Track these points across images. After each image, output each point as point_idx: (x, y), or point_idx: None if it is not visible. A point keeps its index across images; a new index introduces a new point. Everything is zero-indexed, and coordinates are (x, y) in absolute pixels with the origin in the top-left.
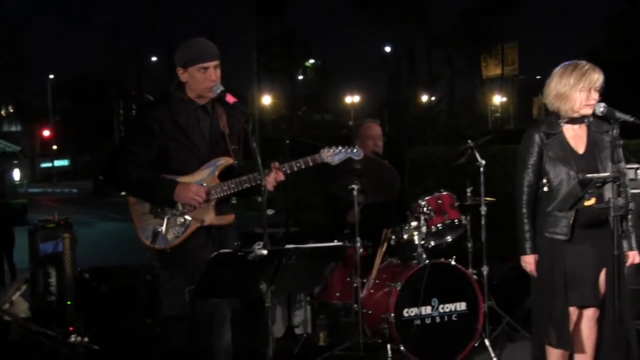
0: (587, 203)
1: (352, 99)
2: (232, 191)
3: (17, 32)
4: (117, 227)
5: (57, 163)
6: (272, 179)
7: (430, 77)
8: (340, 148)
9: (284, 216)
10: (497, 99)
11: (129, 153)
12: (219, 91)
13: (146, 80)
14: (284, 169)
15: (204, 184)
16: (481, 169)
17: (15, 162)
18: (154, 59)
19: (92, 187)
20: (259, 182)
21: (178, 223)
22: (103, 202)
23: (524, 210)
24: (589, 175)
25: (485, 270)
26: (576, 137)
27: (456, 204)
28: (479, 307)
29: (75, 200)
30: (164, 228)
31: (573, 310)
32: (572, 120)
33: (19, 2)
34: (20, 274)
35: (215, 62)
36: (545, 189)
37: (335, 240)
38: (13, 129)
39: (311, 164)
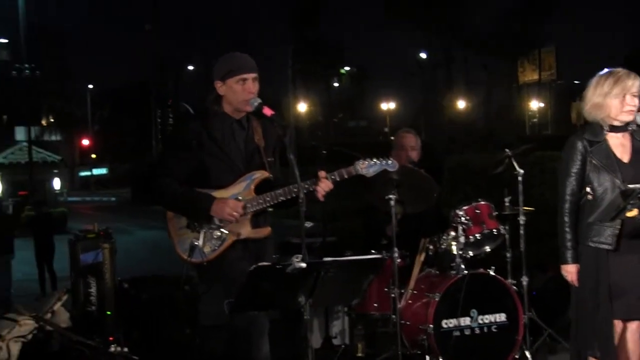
0: (629, 214)
1: (387, 105)
2: (267, 204)
3: (58, 42)
4: (155, 236)
5: (96, 172)
6: (322, 188)
7: (467, 83)
8: (375, 160)
9: (321, 226)
10: (535, 105)
11: (166, 168)
12: (256, 104)
13: (183, 89)
14: (332, 177)
15: (240, 198)
16: (519, 178)
17: (56, 171)
18: (190, 68)
19: (130, 195)
20: (295, 195)
21: (214, 237)
22: (141, 210)
23: (566, 219)
24: (631, 186)
25: (524, 280)
26: (620, 145)
27: (494, 214)
28: (519, 318)
29: (113, 208)
30: (200, 242)
31: (617, 323)
32: (616, 129)
33: (60, 12)
34: (60, 282)
35: (254, 75)
36: (589, 197)
37: (373, 251)
38: (53, 138)
39: (346, 177)
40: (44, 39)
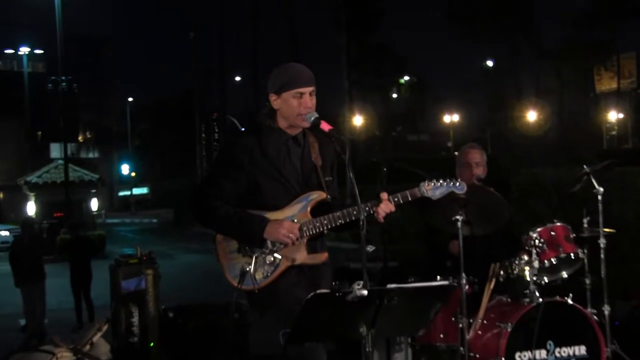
0: None
1: (450, 117)
2: (325, 228)
3: (96, 53)
4: (200, 260)
5: (136, 191)
6: (382, 210)
7: (537, 92)
8: (441, 181)
9: (381, 249)
10: (613, 115)
11: (216, 187)
12: (313, 118)
13: (229, 102)
14: (395, 200)
15: (295, 220)
16: (599, 197)
17: (94, 191)
18: (237, 78)
19: (172, 216)
20: (355, 218)
21: (267, 262)
22: (184, 233)
23: None
24: None
25: (606, 309)
26: None
27: (572, 236)
28: (601, 351)
29: (154, 231)
30: (252, 267)
31: None
32: None
33: (98, 21)
34: (99, 311)
35: (311, 88)
36: None
37: (439, 277)
38: (91, 155)
39: (410, 199)
40: (82, 50)
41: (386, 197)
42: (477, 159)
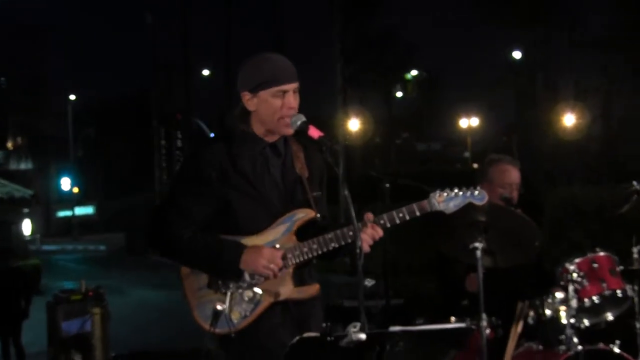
0: None
1: (468, 122)
2: (315, 253)
3: (31, 43)
4: (159, 297)
5: (79, 211)
6: (368, 236)
7: (577, 91)
8: (455, 190)
9: (382, 284)
10: None
11: (179, 209)
12: (299, 123)
13: (196, 101)
14: (381, 222)
15: (278, 246)
16: None
17: (26, 210)
18: (205, 73)
19: (124, 242)
20: (350, 240)
21: (246, 299)
22: (140, 263)
23: None
24: None
25: None
26: None
27: (618, 269)
28: None
29: (102, 260)
30: (227, 306)
31: None
32: None
33: (34, 6)
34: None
35: (296, 85)
36: None
37: (453, 318)
38: (23, 166)
39: (418, 214)
40: (12, 40)
41: (371, 218)
42: (516, 178)
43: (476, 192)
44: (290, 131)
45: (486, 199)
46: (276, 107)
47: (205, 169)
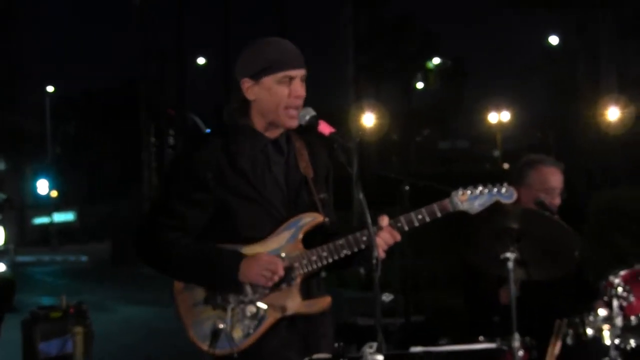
0: None
1: (498, 116)
2: (325, 262)
3: (4, 31)
4: (148, 314)
5: (58, 218)
6: (383, 240)
7: (622, 82)
8: (480, 188)
9: (401, 299)
10: None
11: (170, 215)
12: (308, 117)
13: (191, 94)
14: (398, 225)
15: (283, 254)
16: None
17: None
18: (200, 61)
19: (109, 253)
20: (364, 246)
21: (248, 315)
22: (127, 275)
23: None
24: None
25: None
26: None
27: None
28: None
29: (85, 273)
30: (227, 323)
31: None
32: None
33: None
34: None
35: (303, 72)
36: None
37: (482, 338)
38: None
39: (439, 214)
40: None
41: (387, 222)
42: (560, 183)
43: (503, 190)
44: (295, 124)
45: (515, 196)
46: (282, 95)
47: (200, 168)
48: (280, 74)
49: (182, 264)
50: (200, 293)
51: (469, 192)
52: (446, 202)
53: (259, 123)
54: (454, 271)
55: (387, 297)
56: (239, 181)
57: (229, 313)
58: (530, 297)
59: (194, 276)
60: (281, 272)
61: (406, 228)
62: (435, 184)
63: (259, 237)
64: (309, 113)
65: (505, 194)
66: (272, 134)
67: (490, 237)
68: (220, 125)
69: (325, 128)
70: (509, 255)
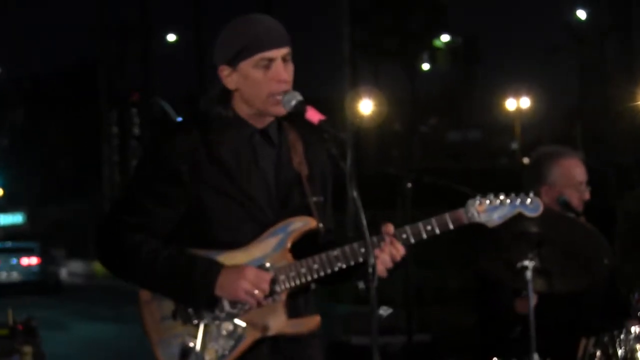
0: None
1: (517, 103)
2: (315, 276)
3: None
4: (110, 332)
5: (4, 220)
6: (387, 256)
7: None
8: (501, 197)
9: (404, 314)
10: None
11: (138, 214)
12: (294, 102)
13: (158, 76)
14: (403, 237)
15: (268, 265)
16: None
17: None
18: (170, 38)
19: (62, 261)
20: (362, 260)
21: (224, 333)
22: (84, 287)
23: None
24: None
25: None
26: None
27: None
28: None
29: (35, 284)
30: (198, 342)
31: None
32: None
33: None
34: None
35: (285, 50)
36: None
37: (495, 359)
38: None
39: (452, 227)
40: None
41: (391, 231)
42: (584, 176)
43: (528, 200)
44: (282, 110)
45: (541, 209)
46: (261, 82)
47: (172, 159)
48: (257, 57)
49: (147, 271)
50: (169, 305)
51: (487, 201)
52: (461, 212)
53: (243, 111)
54: (464, 282)
55: (385, 312)
56: (218, 176)
57: (201, 330)
58: (551, 311)
59: (163, 286)
60: (268, 290)
61: (412, 240)
62: (443, 181)
63: (240, 242)
64: (295, 97)
65: (530, 206)
66: (260, 122)
67: (506, 242)
68: (196, 113)
69: (313, 115)
70: (527, 263)
